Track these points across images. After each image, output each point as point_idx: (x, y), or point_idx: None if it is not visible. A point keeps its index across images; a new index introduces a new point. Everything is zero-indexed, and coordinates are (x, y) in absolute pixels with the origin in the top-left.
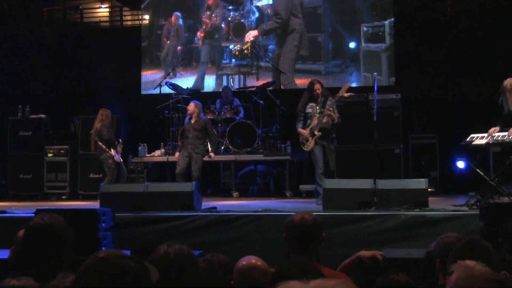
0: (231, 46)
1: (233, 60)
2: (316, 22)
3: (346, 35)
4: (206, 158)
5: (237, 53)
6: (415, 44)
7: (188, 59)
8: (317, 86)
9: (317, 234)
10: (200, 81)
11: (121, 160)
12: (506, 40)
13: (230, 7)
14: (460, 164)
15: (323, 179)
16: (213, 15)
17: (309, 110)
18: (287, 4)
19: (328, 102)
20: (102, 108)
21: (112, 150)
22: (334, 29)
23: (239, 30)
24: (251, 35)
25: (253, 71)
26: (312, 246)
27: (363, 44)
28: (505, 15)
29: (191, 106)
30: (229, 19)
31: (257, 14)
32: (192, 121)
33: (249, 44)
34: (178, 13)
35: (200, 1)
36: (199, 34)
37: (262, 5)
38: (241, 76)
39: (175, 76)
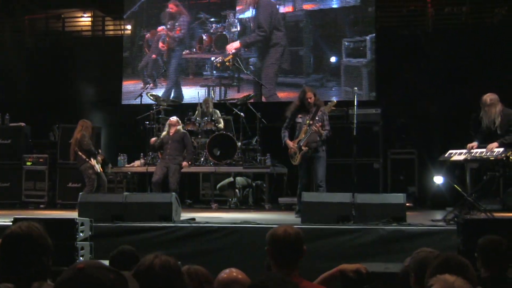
0: (212, 58)
1: (214, 72)
2: (298, 36)
3: (327, 49)
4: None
5: (218, 65)
6: (396, 60)
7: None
8: (309, 94)
9: (300, 247)
10: (176, 92)
11: (101, 170)
12: (485, 58)
13: (212, 19)
14: (438, 180)
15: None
16: (176, 24)
17: (299, 120)
18: (270, 18)
19: (319, 113)
20: (82, 118)
21: (92, 160)
22: (316, 43)
23: (221, 42)
24: (233, 47)
25: (234, 83)
26: (294, 259)
27: (344, 59)
28: (484, 32)
29: (174, 120)
30: (211, 31)
31: (239, 27)
32: (171, 133)
33: (231, 56)
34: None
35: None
36: (161, 45)
37: (245, 18)
38: (222, 88)
39: (156, 87)
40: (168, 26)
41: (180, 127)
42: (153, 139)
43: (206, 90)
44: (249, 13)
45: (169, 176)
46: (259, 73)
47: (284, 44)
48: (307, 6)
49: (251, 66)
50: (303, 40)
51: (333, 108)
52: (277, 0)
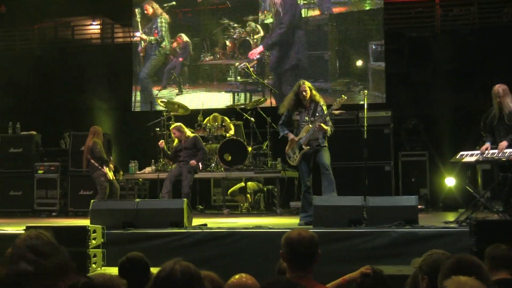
0: (237, 64)
1: (238, 77)
2: (322, 39)
3: (354, 53)
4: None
5: (242, 71)
6: (405, 62)
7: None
8: (303, 87)
9: (314, 251)
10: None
11: (113, 178)
12: (494, 58)
13: (235, 25)
14: (450, 181)
15: (307, 197)
16: (153, 26)
17: (296, 117)
18: (294, 17)
19: (319, 109)
20: (93, 125)
21: (104, 167)
22: (342, 46)
23: (244, 48)
24: (256, 52)
25: (259, 89)
26: (309, 263)
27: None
28: (493, 32)
29: (176, 132)
30: (234, 36)
31: (262, 32)
32: (182, 142)
33: (255, 61)
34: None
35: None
36: (140, 50)
37: (267, 23)
38: (247, 94)
39: (181, 93)
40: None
41: (188, 132)
42: (161, 142)
43: (231, 96)
44: (271, 19)
45: (183, 180)
46: (280, 78)
47: (305, 46)
48: (336, 10)
49: (272, 71)
50: (327, 43)
51: (336, 112)
52: (303, 4)
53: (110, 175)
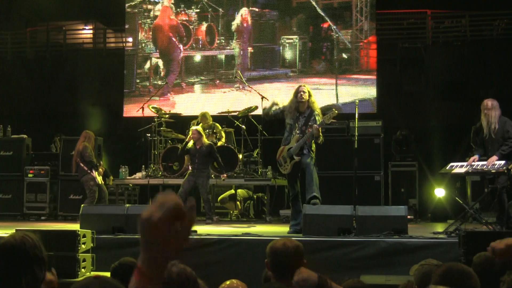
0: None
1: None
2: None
3: None
4: (219, 181)
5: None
6: (396, 72)
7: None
8: (301, 88)
9: (299, 260)
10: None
11: (102, 182)
12: (485, 71)
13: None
14: (439, 192)
15: (296, 205)
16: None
17: (290, 121)
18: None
19: (312, 118)
20: (84, 129)
21: (93, 171)
22: None
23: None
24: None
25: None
26: (293, 273)
27: None
28: (484, 45)
29: (196, 133)
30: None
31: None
32: (197, 147)
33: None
34: None
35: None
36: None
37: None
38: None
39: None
40: None
41: (204, 138)
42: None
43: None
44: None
45: (200, 188)
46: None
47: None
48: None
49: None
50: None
51: (332, 120)
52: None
53: (99, 179)
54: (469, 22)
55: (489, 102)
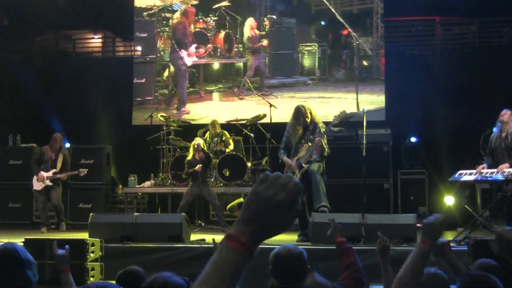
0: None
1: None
2: None
3: None
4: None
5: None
6: (405, 80)
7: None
8: (305, 113)
9: (303, 268)
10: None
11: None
12: (494, 78)
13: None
14: (448, 200)
15: (302, 214)
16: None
17: (294, 141)
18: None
19: (317, 130)
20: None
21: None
22: None
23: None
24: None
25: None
26: (297, 280)
27: None
28: (493, 52)
29: (201, 144)
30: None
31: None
32: (197, 157)
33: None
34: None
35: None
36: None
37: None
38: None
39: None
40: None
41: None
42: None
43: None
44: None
45: (208, 198)
46: None
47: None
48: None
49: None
50: None
51: (335, 128)
52: None
53: (38, 185)
54: (478, 29)
55: (505, 115)
